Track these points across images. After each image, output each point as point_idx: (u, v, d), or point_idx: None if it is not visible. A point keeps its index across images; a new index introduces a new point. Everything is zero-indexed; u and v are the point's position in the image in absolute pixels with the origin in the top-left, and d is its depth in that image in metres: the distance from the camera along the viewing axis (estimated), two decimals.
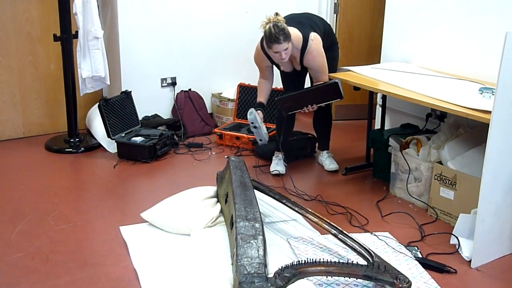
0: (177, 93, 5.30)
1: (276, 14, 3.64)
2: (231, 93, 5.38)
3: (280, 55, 3.67)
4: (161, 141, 4.56)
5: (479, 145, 3.40)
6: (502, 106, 2.73)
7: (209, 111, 5.48)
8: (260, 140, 3.92)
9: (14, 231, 3.26)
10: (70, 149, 4.66)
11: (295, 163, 4.41)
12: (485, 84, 3.42)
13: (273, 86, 4.84)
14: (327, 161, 4.37)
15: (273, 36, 3.57)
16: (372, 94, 4.28)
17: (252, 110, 3.85)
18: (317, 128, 4.47)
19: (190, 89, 5.35)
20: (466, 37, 3.88)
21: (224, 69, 5.53)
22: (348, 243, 2.84)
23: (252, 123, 3.82)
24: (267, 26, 3.61)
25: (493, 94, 3.06)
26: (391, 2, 4.46)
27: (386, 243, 3.11)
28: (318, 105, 3.82)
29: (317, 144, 4.61)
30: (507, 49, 2.62)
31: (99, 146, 4.75)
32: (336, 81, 3.75)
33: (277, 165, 4.23)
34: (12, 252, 3.02)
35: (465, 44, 3.89)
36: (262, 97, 4.06)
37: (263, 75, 4.07)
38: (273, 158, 4.29)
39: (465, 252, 3.03)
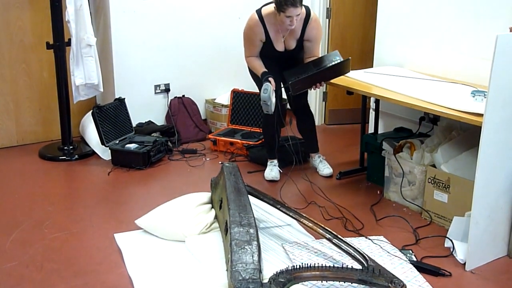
0: (171, 100, 5.30)
1: None
2: (224, 99, 5.38)
3: (291, 21, 3.61)
4: (155, 148, 4.56)
5: (472, 148, 3.41)
6: (494, 109, 2.75)
7: (203, 117, 5.48)
8: (267, 111, 3.78)
9: (8, 240, 3.25)
10: (64, 157, 4.65)
11: (289, 168, 4.40)
12: (477, 87, 3.44)
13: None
14: (320, 165, 4.34)
15: None
16: (365, 98, 4.29)
17: (267, 86, 3.69)
18: (303, 130, 4.39)
19: (183, 96, 5.35)
20: (458, 40, 3.90)
21: (217, 75, 5.53)
22: (343, 248, 2.84)
23: (264, 101, 3.70)
24: None
25: (485, 97, 3.07)
26: (383, 6, 4.47)
27: (381, 247, 3.11)
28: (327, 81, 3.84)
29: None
30: (498, 52, 2.64)
31: (93, 153, 4.74)
32: (349, 58, 3.77)
33: (272, 171, 4.23)
34: (7, 261, 3.01)
35: (457, 47, 3.91)
36: (263, 68, 3.90)
37: (254, 51, 3.95)
38: (268, 164, 4.29)
39: (460, 255, 3.04)
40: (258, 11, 3.84)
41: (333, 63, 3.76)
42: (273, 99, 3.76)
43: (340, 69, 3.80)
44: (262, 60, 3.97)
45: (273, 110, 3.78)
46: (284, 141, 4.49)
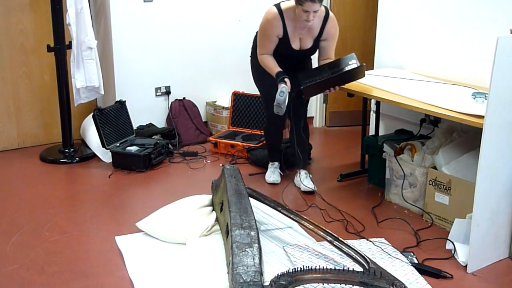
0: (172, 102, 5.30)
1: None
2: (225, 101, 5.39)
3: (308, 16, 3.53)
4: (156, 150, 4.56)
5: (473, 149, 3.41)
6: (495, 111, 2.75)
7: (203, 120, 5.48)
8: (278, 112, 3.65)
9: (9, 243, 3.24)
10: (65, 160, 4.66)
11: (291, 171, 4.39)
12: (477, 89, 3.44)
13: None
14: (305, 181, 4.06)
15: None
16: (366, 101, 4.29)
17: (284, 89, 3.57)
18: (297, 144, 4.08)
19: (184, 98, 5.35)
20: (458, 42, 3.90)
21: (218, 77, 5.53)
22: (344, 250, 2.84)
23: (278, 103, 3.58)
24: None
25: (486, 99, 3.08)
26: (383, 9, 4.48)
27: (382, 249, 3.11)
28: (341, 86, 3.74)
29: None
30: (499, 54, 2.64)
31: (93, 156, 4.74)
32: (364, 64, 3.69)
33: (273, 173, 4.22)
34: (8, 264, 3.00)
35: (457, 49, 3.91)
36: (278, 67, 3.75)
37: (269, 48, 3.79)
38: (269, 166, 4.28)
39: (461, 257, 3.03)
40: (277, 5, 3.73)
41: (348, 68, 3.65)
42: (286, 102, 3.65)
43: (354, 75, 3.69)
44: (279, 61, 3.81)
45: (284, 112, 3.66)
46: (286, 143, 4.50)
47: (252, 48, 4.04)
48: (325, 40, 3.84)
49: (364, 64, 3.70)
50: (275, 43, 3.78)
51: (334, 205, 3.76)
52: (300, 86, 3.64)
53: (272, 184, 4.18)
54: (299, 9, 3.54)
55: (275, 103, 3.60)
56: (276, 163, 4.28)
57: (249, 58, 4.08)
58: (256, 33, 3.96)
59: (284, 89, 3.58)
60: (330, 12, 3.81)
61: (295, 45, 3.80)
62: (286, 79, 3.64)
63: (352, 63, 3.66)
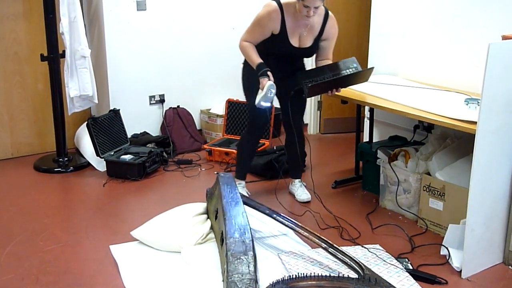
0: (166, 110, 5.30)
1: None
2: (219, 109, 5.39)
3: (308, 11, 3.45)
4: (151, 159, 4.56)
5: (466, 155, 3.42)
6: (488, 116, 2.76)
7: (198, 128, 5.49)
8: (260, 107, 3.55)
9: (3, 253, 3.23)
10: (59, 169, 4.65)
11: (283, 178, 4.40)
12: (470, 95, 3.45)
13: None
14: (299, 190, 4.07)
15: None
16: (360, 107, 4.30)
17: (273, 87, 3.42)
18: (292, 153, 4.05)
19: (178, 106, 5.36)
20: (451, 49, 3.92)
21: (212, 85, 5.54)
22: (339, 257, 2.84)
23: (266, 101, 3.47)
24: None
25: (478, 105, 3.09)
26: (376, 16, 4.50)
27: (377, 256, 3.11)
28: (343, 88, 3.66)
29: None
30: (491, 60, 2.66)
31: (88, 165, 4.74)
32: (373, 67, 3.67)
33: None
34: (2, 274, 2.99)
35: (450, 56, 3.93)
36: (260, 58, 3.60)
37: (256, 39, 3.65)
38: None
39: (456, 263, 3.04)
40: (277, 0, 3.60)
41: (357, 70, 3.62)
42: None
43: (361, 77, 3.62)
44: (268, 57, 3.63)
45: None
46: (277, 152, 4.51)
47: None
48: (325, 40, 3.76)
49: (373, 67, 3.68)
50: (265, 37, 3.64)
51: (328, 212, 3.76)
52: (296, 86, 3.60)
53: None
54: (300, 4, 3.47)
55: (260, 101, 3.48)
56: (244, 182, 4.12)
57: (242, 65, 3.97)
58: None
59: (273, 87, 3.45)
60: (330, 12, 3.75)
61: (294, 42, 3.68)
62: (269, 73, 3.50)
63: (353, 67, 3.63)
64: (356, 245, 3.29)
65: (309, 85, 3.48)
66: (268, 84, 3.43)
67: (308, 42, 3.70)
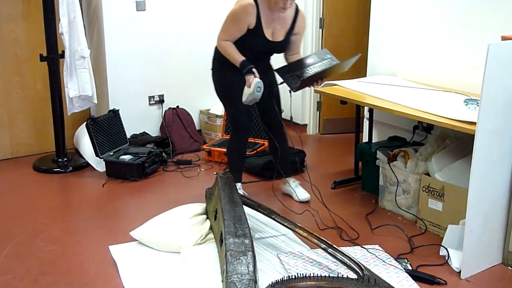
0: (165, 111, 5.31)
1: None
2: (219, 109, 5.39)
3: (285, 4, 3.49)
4: (150, 159, 4.56)
5: (465, 156, 3.42)
6: (487, 117, 2.76)
7: (197, 128, 5.49)
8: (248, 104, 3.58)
9: (2, 253, 3.23)
10: (58, 169, 4.65)
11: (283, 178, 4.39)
12: (469, 96, 3.46)
13: None
14: (297, 190, 4.05)
15: None
16: (359, 108, 4.30)
17: (260, 84, 3.44)
18: (276, 151, 3.95)
19: (178, 106, 5.36)
20: (450, 49, 3.93)
21: (211, 85, 5.49)
22: (338, 257, 2.84)
23: (255, 99, 3.49)
24: None
25: (477, 105, 3.09)
26: (375, 17, 4.50)
27: (376, 256, 3.11)
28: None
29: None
30: (490, 61, 2.66)
31: (87, 165, 4.74)
32: (359, 54, 3.69)
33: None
34: (1, 274, 2.99)
35: (449, 56, 3.94)
36: (242, 56, 3.58)
37: (234, 36, 3.61)
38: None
39: (455, 263, 3.04)
40: None
41: (332, 60, 3.67)
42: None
43: (344, 66, 3.67)
44: (243, 55, 3.60)
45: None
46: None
47: (214, 59, 3.87)
48: (296, 34, 3.78)
49: (360, 54, 3.70)
50: (242, 32, 3.60)
51: (328, 212, 3.76)
52: (269, 82, 3.61)
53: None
54: None
55: (248, 98, 3.48)
56: (240, 184, 4.09)
57: (211, 71, 3.91)
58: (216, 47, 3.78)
59: (260, 84, 3.46)
60: (298, 6, 3.77)
61: (268, 36, 3.67)
62: (254, 70, 3.51)
63: (329, 57, 3.69)
64: (355, 245, 3.29)
65: (301, 79, 3.51)
66: (255, 81, 3.45)
67: (280, 36, 3.72)
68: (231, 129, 4.00)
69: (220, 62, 3.78)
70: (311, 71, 3.62)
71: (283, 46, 3.78)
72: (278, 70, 3.68)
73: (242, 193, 4.04)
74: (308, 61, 3.73)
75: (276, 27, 3.66)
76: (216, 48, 3.79)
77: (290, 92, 3.58)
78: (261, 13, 3.58)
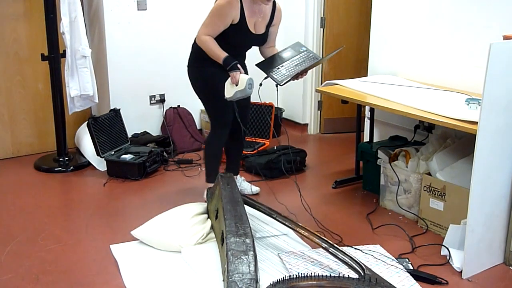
0: (166, 110, 5.31)
1: None
2: None
3: None
4: (151, 158, 4.56)
5: (467, 155, 3.42)
6: (488, 117, 2.76)
7: (198, 127, 5.48)
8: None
9: (4, 252, 3.23)
10: (60, 168, 4.65)
11: (284, 178, 4.39)
12: (471, 95, 3.45)
13: (262, 101, 4.84)
14: (244, 184, 4.12)
15: None
16: (360, 107, 4.30)
17: (251, 81, 3.42)
18: (233, 152, 4.04)
19: (179, 106, 5.36)
20: (452, 49, 3.92)
21: None
22: (339, 257, 2.84)
23: (246, 95, 3.47)
24: None
25: (479, 105, 3.09)
26: (376, 16, 4.50)
27: (377, 256, 3.11)
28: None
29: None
30: (492, 60, 2.66)
31: (88, 164, 4.74)
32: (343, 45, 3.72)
33: None
34: (2, 273, 2.99)
35: (451, 55, 3.93)
36: (224, 52, 3.52)
37: (216, 31, 3.55)
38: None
39: (456, 263, 3.04)
40: None
41: (308, 51, 3.71)
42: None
43: (324, 59, 3.79)
44: (225, 50, 3.55)
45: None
46: (277, 151, 4.51)
47: (192, 56, 3.81)
48: (273, 26, 3.79)
49: (343, 46, 3.76)
50: (226, 27, 3.55)
51: (329, 212, 3.77)
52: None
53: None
54: None
55: (237, 95, 3.45)
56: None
57: (187, 68, 3.85)
58: (194, 42, 3.73)
59: (252, 80, 3.43)
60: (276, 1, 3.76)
61: (251, 28, 3.63)
62: (239, 66, 3.47)
63: (304, 50, 3.71)
64: (356, 245, 3.28)
65: (292, 75, 3.51)
66: (246, 78, 3.43)
67: (262, 29, 3.71)
68: (213, 125, 3.85)
69: (199, 58, 3.70)
70: (292, 64, 3.63)
71: (264, 39, 3.77)
72: (259, 65, 3.66)
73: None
74: (286, 54, 3.71)
75: (258, 19, 3.65)
76: (194, 44, 3.75)
77: (276, 86, 3.55)
78: (244, 6, 3.55)
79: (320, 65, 5.58)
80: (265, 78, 3.58)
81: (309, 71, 3.86)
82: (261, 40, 3.76)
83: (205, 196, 3.84)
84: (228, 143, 3.95)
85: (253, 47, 3.81)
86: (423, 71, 4.14)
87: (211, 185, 3.76)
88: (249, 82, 3.42)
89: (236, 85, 3.44)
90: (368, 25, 4.61)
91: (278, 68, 3.60)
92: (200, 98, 3.87)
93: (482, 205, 2.91)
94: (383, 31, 4.45)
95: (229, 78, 3.47)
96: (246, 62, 3.84)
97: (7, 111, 4.89)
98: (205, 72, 3.70)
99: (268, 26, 3.74)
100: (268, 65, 3.65)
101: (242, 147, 4.07)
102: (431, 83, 4.02)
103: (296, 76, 3.58)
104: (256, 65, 3.66)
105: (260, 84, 3.53)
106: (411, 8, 4.19)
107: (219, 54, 3.51)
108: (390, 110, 3.49)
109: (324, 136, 5.81)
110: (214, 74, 3.62)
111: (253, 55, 3.83)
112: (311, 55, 3.70)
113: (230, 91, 3.47)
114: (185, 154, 5.06)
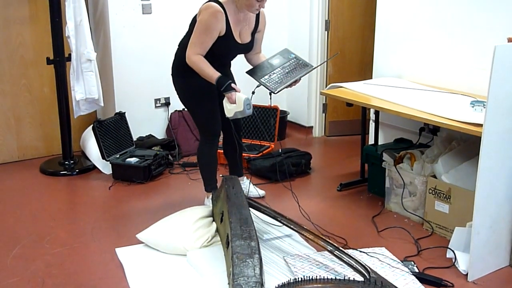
0: (171, 113, 5.31)
1: None
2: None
3: (262, 3, 3.41)
4: (156, 162, 4.56)
5: (472, 158, 3.41)
6: (493, 119, 2.76)
7: None
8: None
9: (9, 255, 3.24)
10: (65, 172, 4.66)
11: (287, 181, 4.39)
12: (476, 98, 3.45)
13: (267, 104, 4.85)
14: (251, 187, 4.11)
15: None
16: (365, 110, 4.30)
17: (249, 101, 3.38)
18: (229, 154, 4.02)
19: (184, 109, 5.36)
20: (456, 51, 3.92)
21: None
22: (345, 260, 2.83)
23: (246, 115, 3.46)
24: None
25: (484, 107, 3.08)
26: (381, 18, 4.50)
27: (383, 259, 3.10)
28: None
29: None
30: (496, 62, 2.65)
31: (94, 168, 4.75)
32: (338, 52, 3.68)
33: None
34: (8, 277, 3.00)
35: (455, 58, 3.93)
36: (217, 72, 3.42)
37: (205, 48, 3.45)
38: (206, 199, 3.93)
39: (462, 266, 3.03)
40: (215, 1, 3.46)
41: (297, 58, 3.69)
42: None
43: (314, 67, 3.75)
44: (212, 63, 3.47)
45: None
46: (280, 154, 4.51)
47: (176, 66, 3.72)
48: (259, 32, 3.72)
49: (338, 53, 3.70)
50: (214, 40, 3.45)
51: (333, 215, 3.76)
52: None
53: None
54: (251, 1, 3.40)
55: (237, 116, 3.43)
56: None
57: (172, 77, 3.75)
58: (178, 49, 3.71)
59: (249, 101, 3.39)
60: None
61: (237, 38, 3.56)
62: (234, 85, 3.41)
63: (293, 56, 3.70)
64: (361, 248, 3.28)
65: (286, 84, 3.51)
66: (243, 98, 3.37)
67: (247, 37, 3.64)
68: (202, 135, 3.80)
69: (181, 69, 3.62)
70: (284, 71, 3.61)
71: (250, 47, 3.71)
72: (250, 73, 3.63)
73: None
74: (275, 62, 3.68)
75: (243, 27, 3.59)
76: (176, 53, 3.71)
77: (270, 94, 3.54)
78: (229, 16, 3.48)
79: (325, 68, 5.58)
80: (257, 86, 3.56)
81: (306, 76, 3.85)
82: (247, 48, 3.70)
83: (205, 203, 3.88)
84: (223, 147, 4.00)
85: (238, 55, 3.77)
86: (428, 73, 4.14)
87: (209, 194, 3.81)
88: (246, 103, 3.37)
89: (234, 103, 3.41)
90: (373, 27, 4.61)
91: (270, 75, 3.57)
92: (187, 108, 3.81)
93: (488, 207, 2.91)
94: (387, 34, 4.45)
95: (225, 98, 3.43)
96: (233, 70, 3.83)
97: (13, 114, 4.91)
98: (191, 82, 3.59)
99: (254, 33, 3.68)
100: (259, 72, 3.62)
101: (237, 149, 3.94)
102: (436, 86, 4.01)
103: (289, 85, 3.56)
104: (247, 72, 3.63)
105: (253, 92, 3.50)
106: (416, 10, 4.19)
107: (212, 74, 3.40)
108: (395, 112, 3.49)
109: (329, 138, 5.81)
110: (202, 84, 3.53)
111: (242, 64, 3.80)
112: (300, 62, 3.68)
113: (230, 111, 3.44)
114: (190, 157, 5.06)
